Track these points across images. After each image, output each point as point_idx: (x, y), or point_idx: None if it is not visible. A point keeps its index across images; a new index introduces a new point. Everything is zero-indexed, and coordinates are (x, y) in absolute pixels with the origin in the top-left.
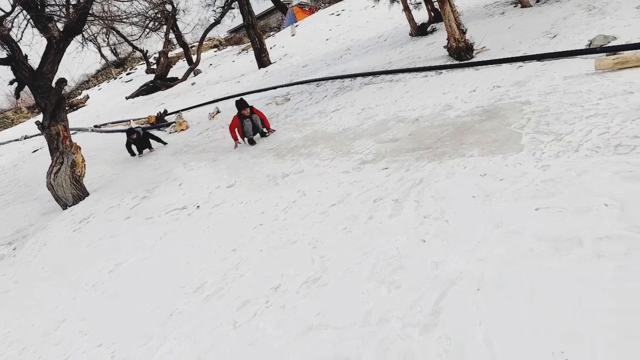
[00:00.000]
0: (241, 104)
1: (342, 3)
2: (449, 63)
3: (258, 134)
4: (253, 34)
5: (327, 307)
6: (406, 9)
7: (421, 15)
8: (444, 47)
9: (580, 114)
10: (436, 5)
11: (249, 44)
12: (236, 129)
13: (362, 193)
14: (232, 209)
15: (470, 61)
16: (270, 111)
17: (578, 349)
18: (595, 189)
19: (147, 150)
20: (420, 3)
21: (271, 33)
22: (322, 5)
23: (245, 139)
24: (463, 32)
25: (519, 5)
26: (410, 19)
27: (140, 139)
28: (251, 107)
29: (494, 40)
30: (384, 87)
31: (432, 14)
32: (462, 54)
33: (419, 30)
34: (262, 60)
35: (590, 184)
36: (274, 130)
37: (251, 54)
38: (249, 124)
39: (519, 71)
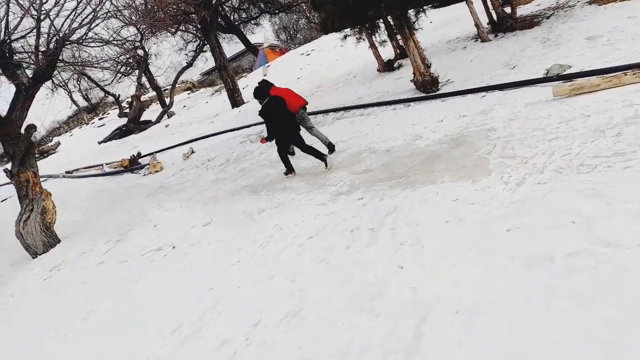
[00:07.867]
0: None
1: (312, 43)
2: (416, 96)
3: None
4: (225, 75)
5: (308, 341)
6: (372, 46)
7: (388, 51)
8: (411, 81)
9: (543, 138)
10: (401, 42)
11: (222, 85)
12: None
13: (338, 224)
14: (209, 247)
15: (436, 93)
16: (244, 149)
17: None
18: (562, 207)
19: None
20: (385, 41)
21: (243, 74)
22: (293, 46)
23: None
24: (428, 67)
25: (479, 40)
26: (377, 56)
27: None
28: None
29: (458, 73)
30: (355, 121)
31: (398, 51)
32: (428, 86)
33: (386, 66)
34: (236, 100)
35: (557, 203)
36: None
37: (224, 94)
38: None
39: (483, 101)
